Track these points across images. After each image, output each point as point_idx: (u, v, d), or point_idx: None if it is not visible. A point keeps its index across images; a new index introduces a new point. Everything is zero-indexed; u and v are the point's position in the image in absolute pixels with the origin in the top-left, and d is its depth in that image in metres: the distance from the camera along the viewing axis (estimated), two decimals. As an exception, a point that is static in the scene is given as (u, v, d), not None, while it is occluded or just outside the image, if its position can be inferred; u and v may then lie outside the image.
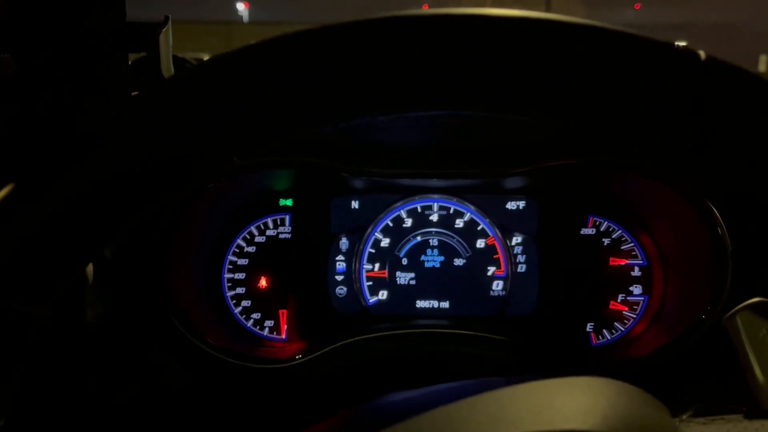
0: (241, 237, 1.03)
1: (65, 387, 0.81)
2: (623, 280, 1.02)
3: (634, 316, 1.01)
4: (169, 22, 0.89)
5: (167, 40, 0.88)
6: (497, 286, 1.03)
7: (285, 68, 0.35)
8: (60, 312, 0.80)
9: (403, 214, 1.03)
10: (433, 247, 1.03)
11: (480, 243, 1.03)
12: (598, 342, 1.01)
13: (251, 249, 1.03)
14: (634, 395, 0.41)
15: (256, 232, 1.03)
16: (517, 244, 1.03)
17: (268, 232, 1.03)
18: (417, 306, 1.03)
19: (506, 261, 1.02)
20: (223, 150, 0.37)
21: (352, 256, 1.03)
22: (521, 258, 1.03)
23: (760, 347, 0.45)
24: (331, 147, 0.96)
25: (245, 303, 1.03)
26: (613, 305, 1.01)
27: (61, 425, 0.80)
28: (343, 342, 0.95)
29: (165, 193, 0.37)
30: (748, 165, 0.43)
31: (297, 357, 0.92)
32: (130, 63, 0.85)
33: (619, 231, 1.02)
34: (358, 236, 1.03)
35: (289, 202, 1.04)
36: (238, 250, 1.03)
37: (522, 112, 0.39)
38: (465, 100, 0.38)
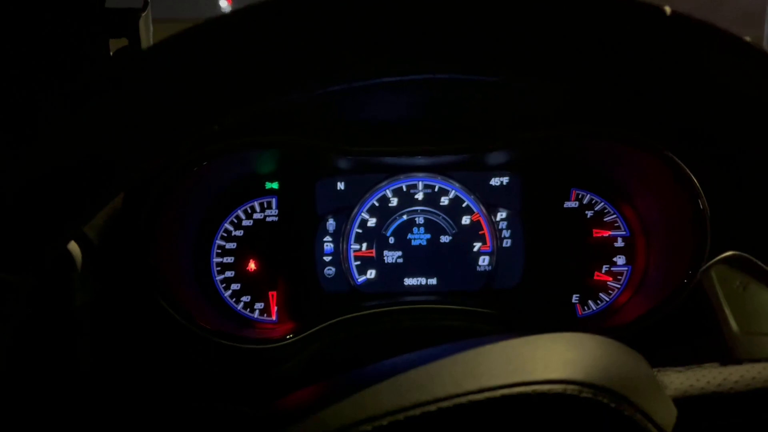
0: (228, 221, 1.04)
1: (55, 372, 0.82)
2: (607, 251, 1.03)
3: (619, 286, 1.03)
4: (149, 7, 0.89)
5: (147, 25, 0.88)
6: (483, 261, 1.04)
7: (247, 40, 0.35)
8: (48, 298, 0.80)
9: (389, 194, 1.04)
10: (419, 225, 1.04)
11: (465, 219, 1.04)
12: (584, 313, 1.03)
13: (239, 233, 1.04)
14: (614, 347, 0.43)
15: (243, 216, 1.04)
16: (502, 220, 1.04)
17: (255, 216, 1.04)
18: (405, 283, 1.04)
19: (492, 236, 1.04)
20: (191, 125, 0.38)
21: (339, 236, 1.04)
22: (506, 233, 1.04)
23: (734, 298, 0.47)
24: (315, 128, 0.96)
25: (235, 286, 1.04)
26: (598, 276, 1.03)
27: (52, 408, 0.81)
28: (333, 321, 0.96)
29: (138, 167, 0.38)
30: (719, 122, 0.44)
31: (288, 337, 0.92)
32: (112, 53, 0.86)
33: (602, 203, 1.03)
34: (344, 217, 1.04)
35: (275, 185, 1.04)
36: (225, 234, 1.04)
37: (494, 72, 0.39)
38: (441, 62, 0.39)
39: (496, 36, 0.38)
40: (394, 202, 1.04)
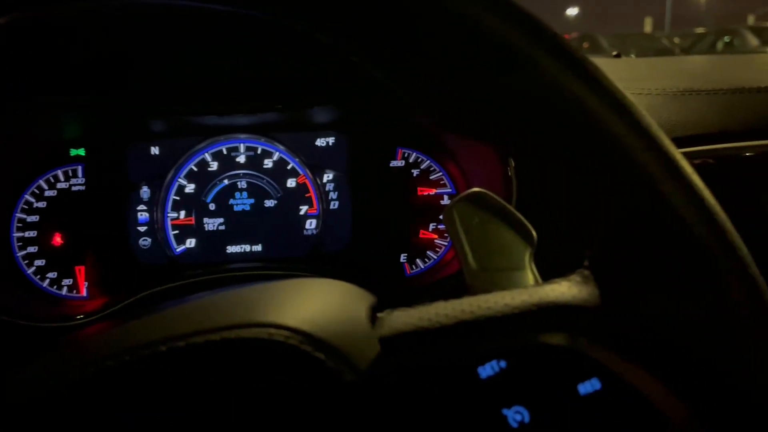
0: (28, 192, 0.95)
1: None
2: (433, 210, 1.03)
3: (445, 243, 1.03)
4: None
5: None
6: (310, 224, 1.01)
7: None
8: None
9: (208, 157, 0.99)
10: (241, 190, 1.00)
11: (291, 182, 1.01)
12: (412, 272, 1.03)
13: (41, 204, 0.95)
14: (334, 290, 0.41)
15: (45, 186, 0.95)
16: (329, 181, 1.01)
17: (59, 185, 0.95)
18: (228, 251, 1.00)
19: (318, 199, 1.01)
20: None
21: (154, 204, 0.97)
22: (333, 195, 1.02)
23: (472, 235, 0.46)
24: (125, 87, 0.89)
25: (39, 262, 0.95)
26: (424, 234, 1.03)
27: None
28: (147, 293, 0.90)
29: None
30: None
31: (78, 317, 0.86)
32: None
33: (428, 161, 1.03)
34: (159, 183, 0.97)
35: (81, 152, 0.96)
36: (26, 207, 0.95)
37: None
38: None
39: None
40: (214, 166, 0.99)
